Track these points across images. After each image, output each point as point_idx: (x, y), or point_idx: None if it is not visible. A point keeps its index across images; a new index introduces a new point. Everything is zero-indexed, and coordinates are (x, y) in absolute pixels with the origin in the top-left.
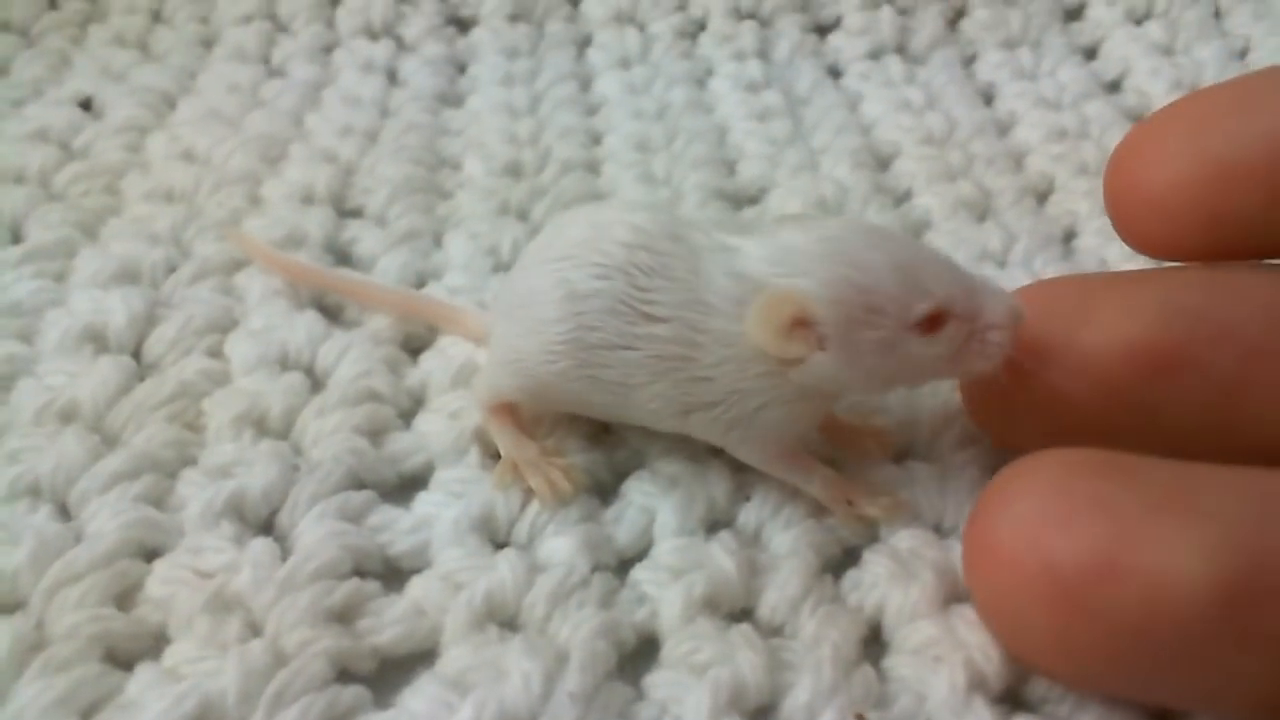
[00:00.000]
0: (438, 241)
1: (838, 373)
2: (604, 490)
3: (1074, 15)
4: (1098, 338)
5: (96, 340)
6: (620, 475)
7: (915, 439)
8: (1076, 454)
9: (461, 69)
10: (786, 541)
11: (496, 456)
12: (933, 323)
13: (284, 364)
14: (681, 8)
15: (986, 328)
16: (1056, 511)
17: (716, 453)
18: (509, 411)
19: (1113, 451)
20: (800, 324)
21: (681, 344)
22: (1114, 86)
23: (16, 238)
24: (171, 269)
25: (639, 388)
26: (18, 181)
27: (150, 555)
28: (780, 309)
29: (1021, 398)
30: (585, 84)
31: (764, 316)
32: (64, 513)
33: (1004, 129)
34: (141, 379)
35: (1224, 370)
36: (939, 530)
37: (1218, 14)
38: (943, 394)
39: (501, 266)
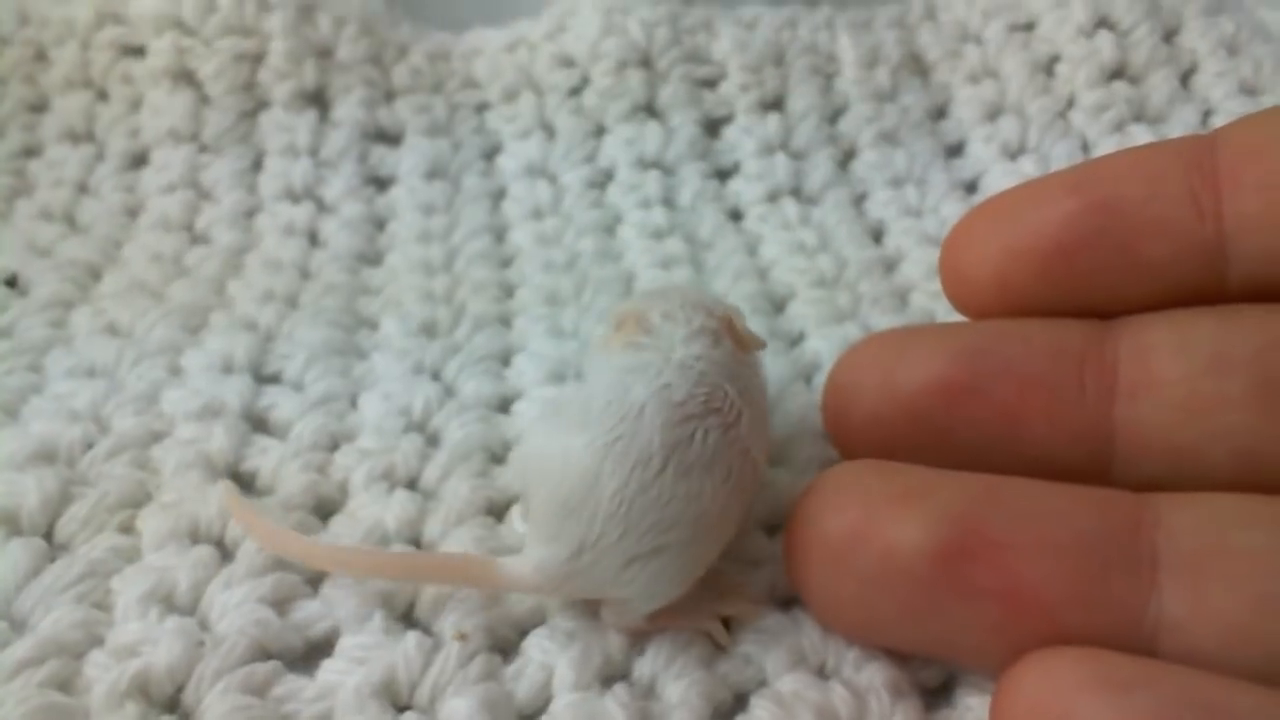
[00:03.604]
0: (353, 403)
1: None
2: (505, 648)
3: (955, 152)
4: (908, 373)
5: (9, 523)
6: (521, 632)
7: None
8: (859, 463)
9: (380, 226)
10: (678, 691)
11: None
12: None
13: (194, 537)
14: (590, 160)
15: None
16: (831, 500)
17: None
18: None
19: (882, 460)
20: None
21: None
22: None
23: None
24: (89, 445)
25: None
26: None
27: None
28: None
29: (854, 420)
30: (500, 236)
31: None
32: None
33: (891, 266)
34: (52, 559)
35: (1005, 398)
36: (822, 673)
37: (1085, 147)
38: None
39: (413, 427)
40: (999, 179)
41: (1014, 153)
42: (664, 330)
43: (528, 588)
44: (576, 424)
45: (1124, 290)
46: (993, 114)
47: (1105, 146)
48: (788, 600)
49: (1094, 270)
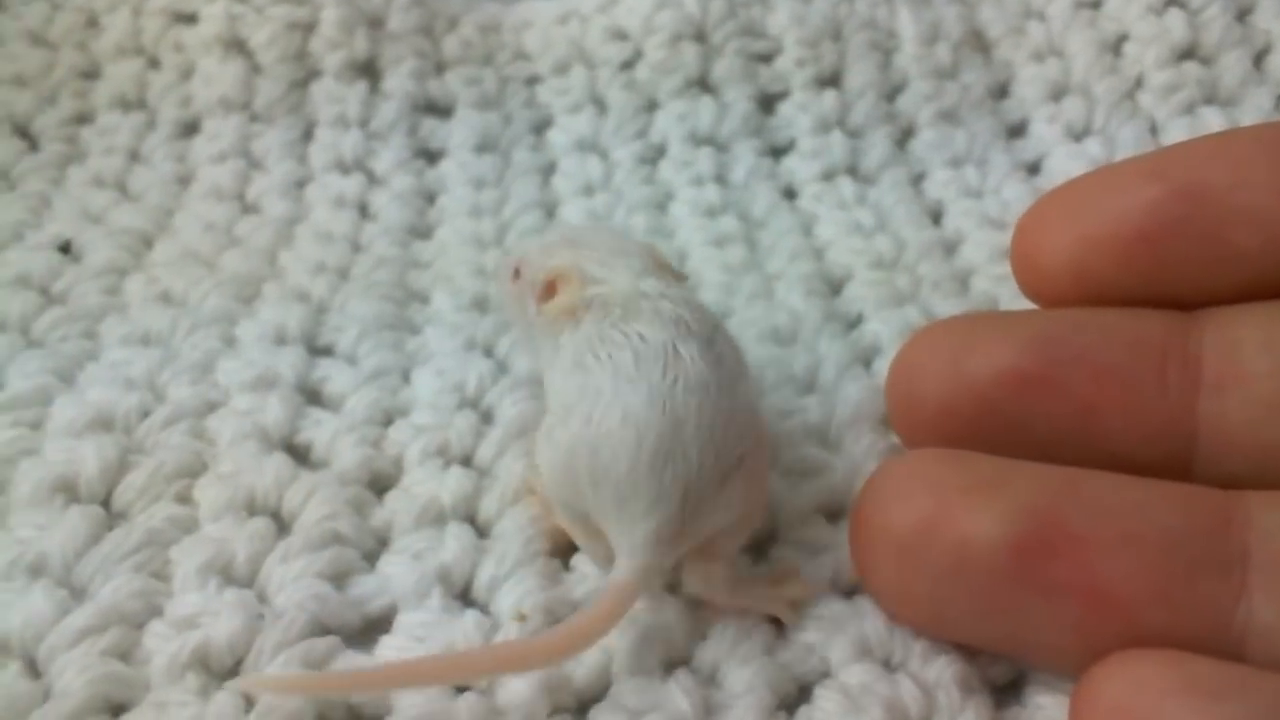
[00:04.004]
0: (406, 378)
1: None
2: None
3: (1017, 133)
4: (978, 361)
5: (68, 490)
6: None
7: None
8: (928, 451)
9: (430, 200)
10: (743, 679)
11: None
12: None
13: (251, 508)
14: (642, 135)
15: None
16: (900, 489)
17: (673, 589)
18: None
19: (952, 449)
20: None
21: None
22: None
23: None
24: (145, 414)
25: None
26: None
27: (117, 711)
28: None
29: (920, 408)
30: (550, 211)
31: None
32: (33, 669)
33: (951, 248)
34: (110, 528)
35: (1081, 390)
36: (888, 665)
37: (1154, 130)
38: None
39: (466, 403)
40: (1063, 161)
41: (1079, 134)
42: (615, 277)
43: (640, 581)
44: (614, 391)
45: (1208, 280)
46: (1057, 94)
47: (1175, 129)
48: (850, 589)
49: (1177, 259)
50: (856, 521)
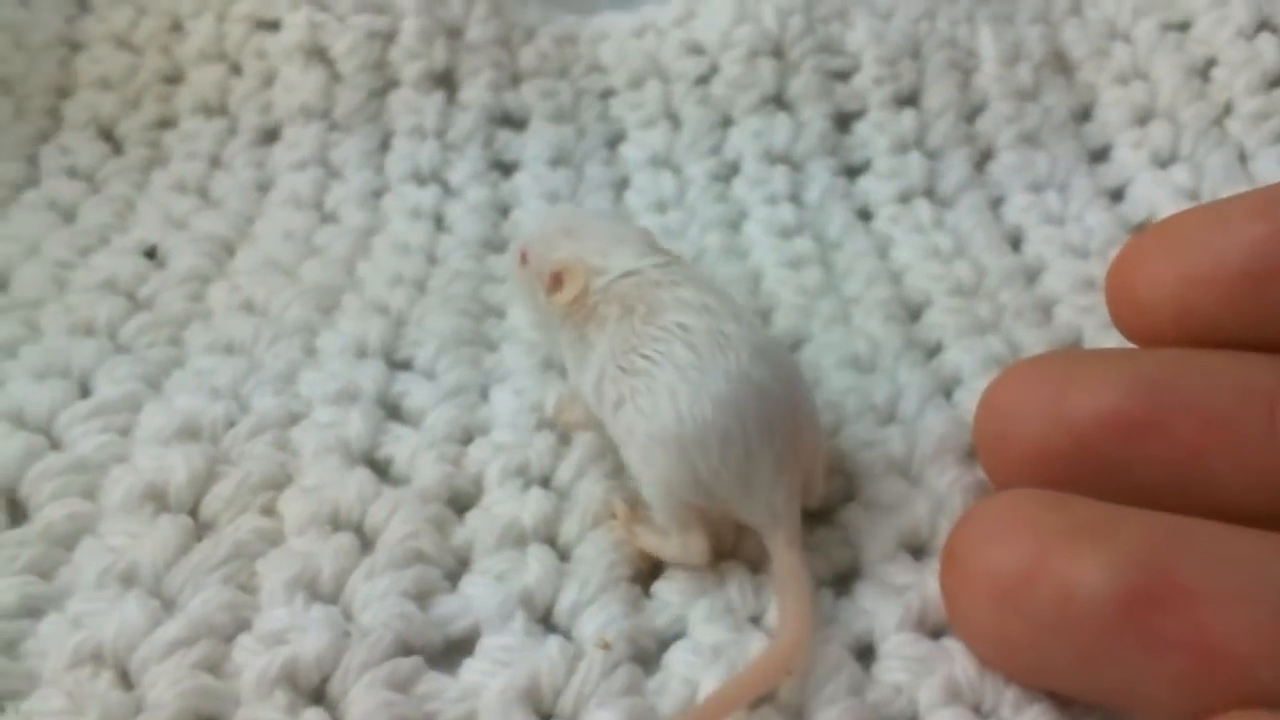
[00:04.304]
0: (484, 395)
1: None
2: (646, 659)
3: (1100, 157)
4: (1079, 402)
5: (157, 499)
6: (662, 644)
7: None
8: (1025, 493)
9: (504, 213)
10: (829, 718)
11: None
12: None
13: (335, 523)
14: (716, 152)
15: None
16: (997, 531)
17: (758, 621)
18: None
19: (1051, 491)
20: None
21: None
22: (1141, 229)
23: (85, 391)
24: (230, 424)
25: None
26: (87, 333)
27: None
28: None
29: (1015, 448)
30: None
31: None
32: (125, 680)
33: (1032, 276)
34: (198, 538)
35: (1187, 436)
36: (979, 712)
37: (1243, 158)
38: None
39: (545, 424)
40: (1147, 188)
41: (1164, 161)
42: (618, 264)
43: (798, 538)
44: (689, 384)
45: None
46: (1142, 118)
47: (1265, 158)
48: (937, 629)
49: None
50: (950, 563)
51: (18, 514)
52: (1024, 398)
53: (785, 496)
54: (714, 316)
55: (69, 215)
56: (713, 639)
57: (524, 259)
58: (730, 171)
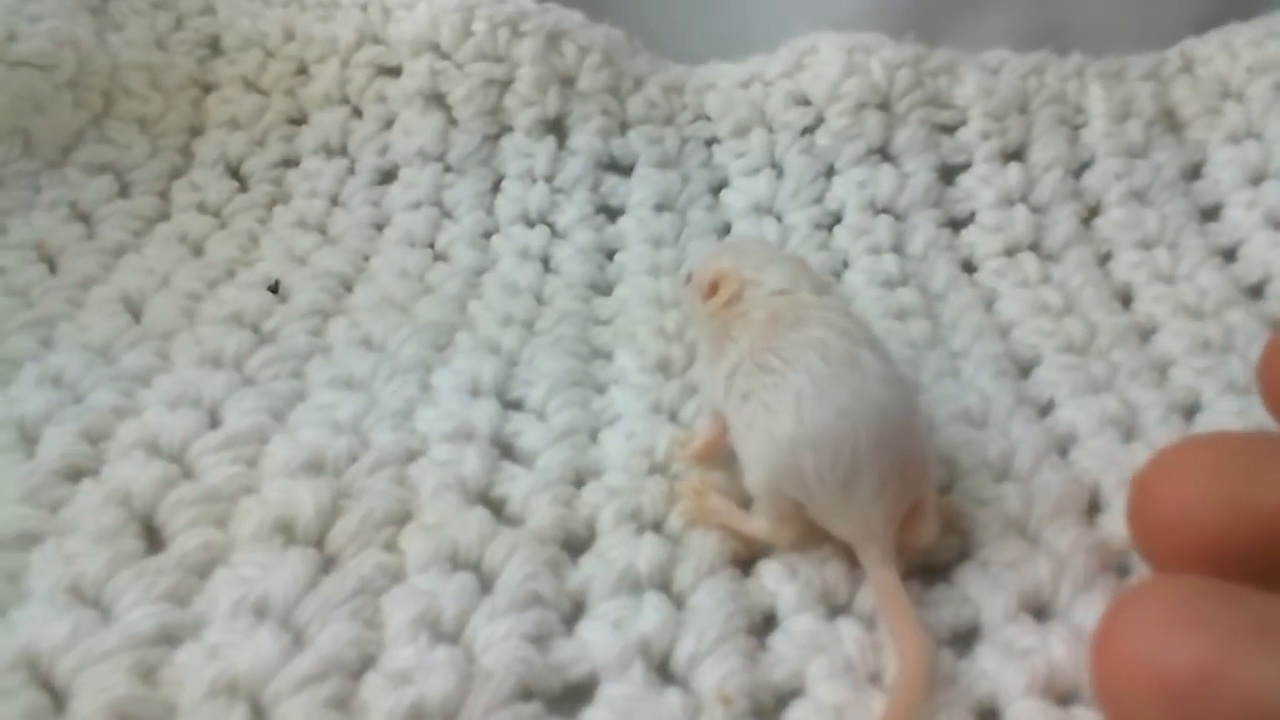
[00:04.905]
0: (594, 438)
1: None
2: (764, 713)
3: (1210, 216)
4: (1270, 490)
5: (286, 531)
6: (781, 700)
7: None
8: (1191, 580)
9: (610, 256)
10: None
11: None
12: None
13: (454, 562)
14: (818, 201)
15: None
16: (1173, 623)
17: (876, 680)
18: None
19: (1220, 581)
20: None
21: None
22: (1255, 292)
23: (215, 421)
24: (352, 458)
25: None
26: (216, 365)
27: None
28: None
29: (1193, 539)
30: None
31: None
32: (258, 713)
33: (1144, 335)
34: (324, 572)
35: None
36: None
37: None
38: None
39: (656, 469)
40: (1262, 249)
41: (1279, 221)
42: (770, 280)
43: (892, 557)
44: (817, 390)
45: None
46: (1255, 178)
47: None
48: (1065, 695)
49: None
50: (1108, 650)
51: (155, 541)
52: (1202, 483)
53: (882, 516)
54: (852, 340)
55: (198, 249)
56: (835, 697)
57: (688, 278)
58: (832, 220)
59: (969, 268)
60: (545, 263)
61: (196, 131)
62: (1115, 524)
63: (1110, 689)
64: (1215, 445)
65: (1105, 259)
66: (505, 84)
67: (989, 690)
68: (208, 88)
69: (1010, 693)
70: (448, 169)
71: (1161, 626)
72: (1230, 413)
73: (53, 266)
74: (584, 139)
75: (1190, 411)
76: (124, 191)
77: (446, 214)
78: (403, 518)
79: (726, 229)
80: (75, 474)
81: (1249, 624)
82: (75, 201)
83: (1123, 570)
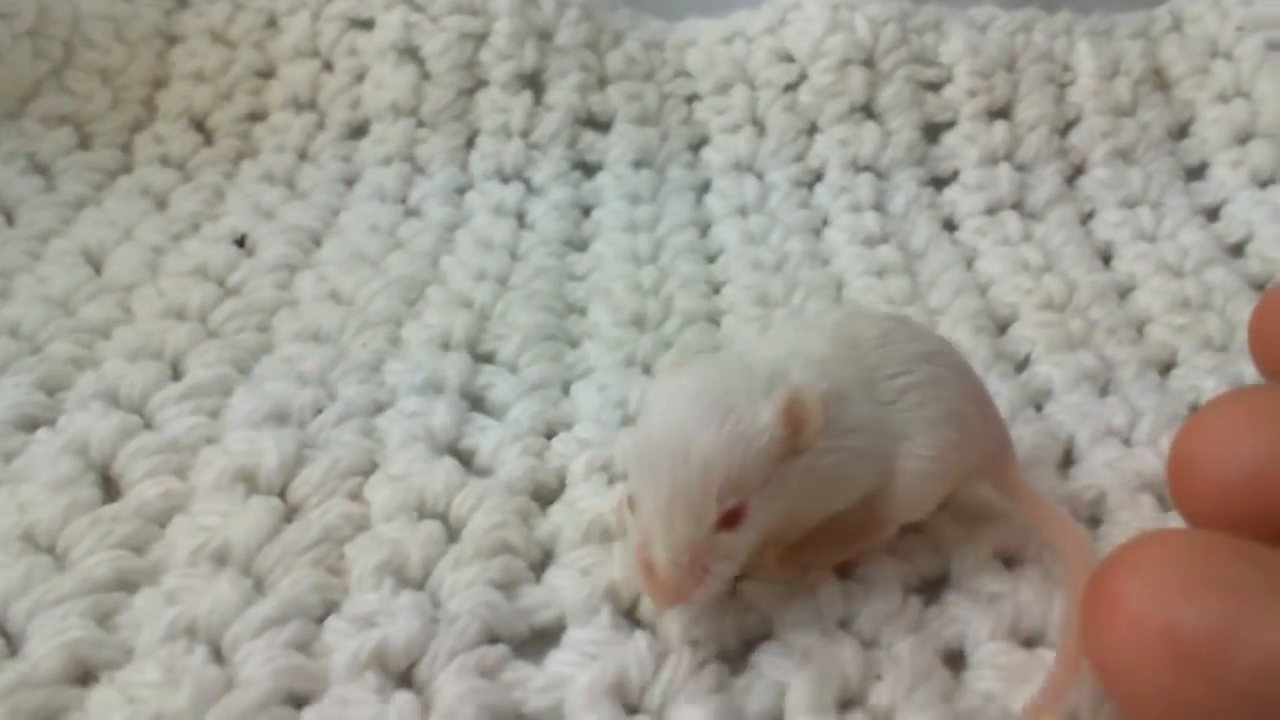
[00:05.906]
0: (566, 390)
1: None
2: (731, 658)
3: (1196, 175)
4: None
5: (248, 480)
6: (748, 643)
7: None
8: (1204, 534)
9: (586, 213)
10: None
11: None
12: None
13: (421, 511)
14: (799, 159)
15: None
16: (1182, 581)
17: (846, 625)
18: None
19: (1237, 537)
20: None
21: None
22: (1237, 250)
23: (177, 373)
24: (318, 410)
25: None
26: (179, 318)
27: (300, 703)
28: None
29: (1236, 491)
30: (704, 230)
31: None
32: (218, 655)
33: (1124, 292)
34: (288, 520)
35: None
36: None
37: None
38: None
39: (629, 420)
40: (1245, 207)
41: (1264, 180)
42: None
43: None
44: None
45: None
46: (1242, 137)
47: None
48: (1030, 638)
49: None
50: (1112, 607)
51: (111, 490)
52: (1239, 434)
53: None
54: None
55: (161, 202)
56: (804, 640)
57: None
58: (813, 178)
59: (950, 226)
60: (520, 219)
61: (160, 84)
62: (1089, 476)
63: (1110, 648)
64: (1248, 400)
65: (1088, 217)
66: (480, 38)
67: (957, 634)
68: (173, 39)
69: (978, 636)
70: (421, 124)
71: (1171, 586)
72: (1205, 369)
73: (10, 219)
74: (561, 94)
75: (1166, 367)
76: (84, 144)
77: (419, 169)
78: (369, 468)
79: (705, 186)
80: (30, 424)
81: (1264, 583)
82: (34, 154)
83: (1094, 521)
